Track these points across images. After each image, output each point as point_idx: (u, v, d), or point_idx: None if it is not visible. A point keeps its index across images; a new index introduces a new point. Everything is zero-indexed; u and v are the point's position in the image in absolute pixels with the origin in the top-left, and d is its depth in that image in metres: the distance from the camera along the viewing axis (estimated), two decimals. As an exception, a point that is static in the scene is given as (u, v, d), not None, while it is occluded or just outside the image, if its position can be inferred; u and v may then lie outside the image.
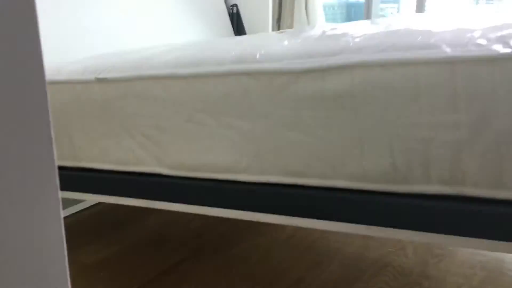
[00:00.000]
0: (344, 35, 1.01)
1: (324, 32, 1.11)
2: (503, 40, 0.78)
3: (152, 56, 1.20)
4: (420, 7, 3.02)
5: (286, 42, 1.04)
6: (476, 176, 0.83)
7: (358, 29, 1.07)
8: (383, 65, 0.87)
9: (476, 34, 0.83)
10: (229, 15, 2.63)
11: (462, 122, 0.82)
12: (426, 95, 0.84)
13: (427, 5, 2.81)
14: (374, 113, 0.89)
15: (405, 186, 0.90)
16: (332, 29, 1.12)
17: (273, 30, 3.01)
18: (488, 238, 0.83)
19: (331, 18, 4.71)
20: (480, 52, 0.79)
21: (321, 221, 0.99)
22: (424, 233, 0.88)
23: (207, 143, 1.10)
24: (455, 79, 0.81)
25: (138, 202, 1.24)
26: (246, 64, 1.02)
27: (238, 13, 2.65)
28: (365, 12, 3.14)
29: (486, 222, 0.83)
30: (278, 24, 3.12)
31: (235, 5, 2.66)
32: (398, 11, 4.44)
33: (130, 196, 1.25)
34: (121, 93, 1.19)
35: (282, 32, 1.61)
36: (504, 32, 0.80)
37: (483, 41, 0.80)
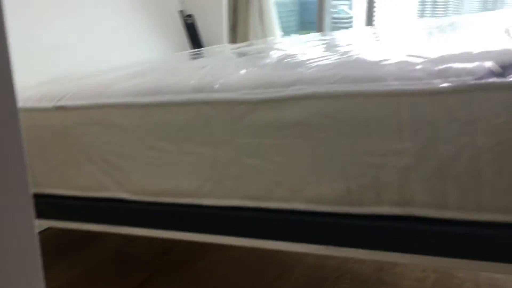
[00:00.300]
0: (299, 64, 1.06)
1: (280, 59, 1.15)
2: (443, 75, 0.85)
3: (111, 83, 1.21)
4: (370, 8, 3.11)
5: (243, 71, 1.08)
6: (423, 198, 0.90)
7: (313, 55, 1.12)
8: (335, 96, 0.92)
9: (419, 67, 0.90)
10: (185, 25, 2.64)
11: (408, 149, 0.89)
12: (375, 125, 0.90)
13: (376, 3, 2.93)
14: (328, 141, 0.95)
15: (359, 208, 0.96)
16: (288, 56, 1.17)
17: (229, 38, 3.04)
18: (435, 255, 0.90)
19: (284, 17, 4.78)
20: (422, 85, 0.86)
21: (282, 242, 1.04)
22: (377, 251, 0.95)
23: (169, 169, 1.12)
24: (400, 110, 0.88)
25: (102, 227, 1.25)
26: (205, 94, 1.05)
27: (193, 24, 2.67)
28: (318, 10, 3.19)
29: (433, 240, 0.90)
30: (234, 32, 3.16)
31: (190, 15, 2.67)
32: (350, 8, 4.54)
33: (93, 222, 1.26)
34: (81, 120, 1.19)
35: (239, 48, 1.65)
36: (444, 66, 0.87)
37: (424, 75, 0.87)
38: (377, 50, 1.10)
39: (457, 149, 0.85)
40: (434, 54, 0.95)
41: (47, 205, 1.30)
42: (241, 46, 1.79)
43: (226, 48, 1.86)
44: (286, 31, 4.89)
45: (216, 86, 1.05)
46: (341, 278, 1.45)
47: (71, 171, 1.24)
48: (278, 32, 3.25)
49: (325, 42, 1.49)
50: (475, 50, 0.92)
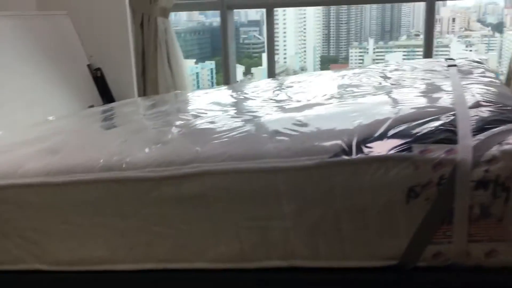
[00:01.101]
0: (196, 140, 1.23)
1: (181, 133, 1.31)
2: (307, 153, 1.07)
3: (23, 162, 1.30)
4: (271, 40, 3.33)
5: (147, 150, 1.23)
6: (301, 252, 1.10)
7: (214, 124, 1.30)
8: (225, 173, 1.11)
9: (290, 145, 1.10)
10: (94, 79, 2.72)
11: (287, 214, 1.08)
12: (259, 195, 1.09)
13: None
14: (222, 210, 1.12)
15: (252, 263, 1.14)
16: (190, 127, 1.34)
17: (138, 86, 3.14)
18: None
19: (197, 44, 4.94)
20: (292, 163, 1.06)
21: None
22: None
23: (83, 240, 1.23)
24: (278, 183, 1.08)
25: (20, 298, 1.32)
26: (113, 172, 1.18)
27: (102, 77, 2.75)
28: (223, 38, 3.35)
29: (310, 285, 1.10)
30: (144, 78, 3.26)
31: (99, 69, 2.76)
32: (260, 34, 4.80)
33: (11, 294, 1.32)
34: (-5, 199, 1.26)
35: (146, 112, 1.79)
36: (308, 144, 1.09)
37: (293, 154, 1.08)
38: (265, 121, 1.31)
39: (323, 211, 1.06)
40: (303, 129, 1.16)
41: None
42: (148, 106, 1.92)
43: (135, 107, 1.97)
44: (200, 58, 5.08)
45: (124, 166, 1.19)
46: None
47: (-14, 247, 1.30)
48: (187, 76, 3.40)
49: (232, 103, 1.66)
50: (335, 126, 1.15)
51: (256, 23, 5.08)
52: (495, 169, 0.95)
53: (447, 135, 1.02)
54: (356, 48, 5.63)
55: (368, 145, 1.06)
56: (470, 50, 5.08)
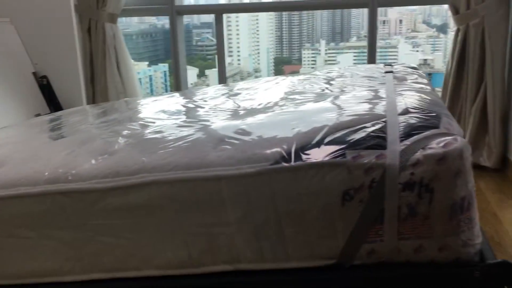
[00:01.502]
0: (145, 149, 1.26)
1: (128, 143, 1.33)
2: (249, 161, 1.12)
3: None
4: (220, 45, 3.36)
5: (93, 161, 1.25)
6: (247, 255, 1.15)
7: (162, 133, 1.33)
8: (171, 182, 1.14)
9: (233, 154, 1.15)
10: (40, 87, 2.67)
11: (231, 220, 1.13)
12: (204, 203, 1.14)
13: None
14: (169, 218, 1.16)
15: (199, 269, 1.18)
16: (137, 137, 1.36)
17: (87, 92, 3.10)
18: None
19: (151, 46, 4.90)
20: (234, 171, 1.11)
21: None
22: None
23: (31, 253, 1.23)
24: (222, 190, 1.12)
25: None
26: (59, 185, 1.19)
27: (49, 84, 2.71)
28: (172, 40, 3.35)
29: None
30: (92, 85, 3.23)
31: (45, 77, 2.71)
32: (213, 35, 4.81)
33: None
34: None
35: (94, 121, 1.79)
36: (250, 153, 1.14)
37: (236, 162, 1.12)
38: (211, 130, 1.35)
39: (266, 216, 1.12)
40: (245, 138, 1.21)
41: None
42: (97, 114, 1.91)
43: (84, 115, 1.96)
44: (153, 61, 5.05)
45: (70, 178, 1.20)
46: None
47: None
48: (137, 82, 3.38)
49: (179, 112, 1.69)
50: (275, 134, 1.21)
51: (209, 25, 5.11)
52: (419, 172, 1.03)
53: (377, 141, 1.10)
54: (309, 49, 5.78)
55: (306, 152, 1.12)
56: (417, 51, 5.32)
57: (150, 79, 5.24)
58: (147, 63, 5.17)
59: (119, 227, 1.18)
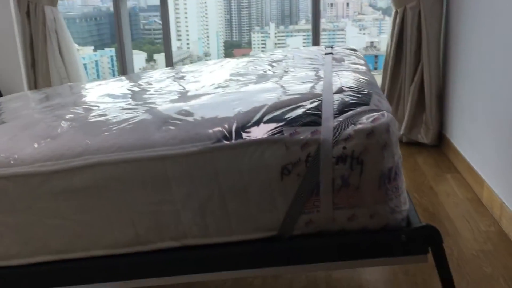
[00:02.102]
0: (89, 131, 1.27)
1: (71, 126, 1.34)
2: (192, 140, 1.16)
3: None
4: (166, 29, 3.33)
5: (36, 145, 1.25)
6: (193, 231, 1.20)
7: (106, 115, 1.34)
8: (115, 163, 1.17)
9: (176, 134, 1.19)
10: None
11: (176, 198, 1.17)
12: (149, 182, 1.17)
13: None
14: (115, 198, 1.18)
15: (147, 246, 1.22)
16: (80, 120, 1.36)
17: (28, 78, 3.01)
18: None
19: (96, 30, 4.77)
20: (178, 150, 1.15)
21: (87, 285, 1.24)
22: (166, 277, 1.22)
23: (-25, 239, 1.23)
24: (167, 169, 1.16)
25: None
26: (2, 169, 1.19)
27: (-13, 70, 2.62)
28: (116, 24, 3.30)
29: (202, 261, 1.21)
30: (34, 70, 3.14)
31: (-17, 61, 2.62)
32: (160, 19, 4.73)
33: None
34: None
35: (37, 106, 1.76)
36: (193, 133, 1.18)
37: (179, 141, 1.16)
38: (155, 112, 1.37)
39: (210, 193, 1.17)
40: (188, 118, 1.25)
41: None
42: (39, 100, 1.88)
43: (25, 101, 1.92)
44: (98, 45, 4.92)
45: (12, 162, 1.20)
46: None
47: None
48: (81, 67, 3.31)
49: (124, 95, 1.70)
50: (217, 114, 1.26)
51: (156, 8, 5.01)
52: (351, 146, 1.11)
53: (313, 118, 1.17)
54: (258, 32, 5.82)
55: (246, 130, 1.17)
56: (364, 33, 5.47)
57: (97, 64, 5.11)
58: (92, 47, 5.03)
59: (65, 209, 1.20)
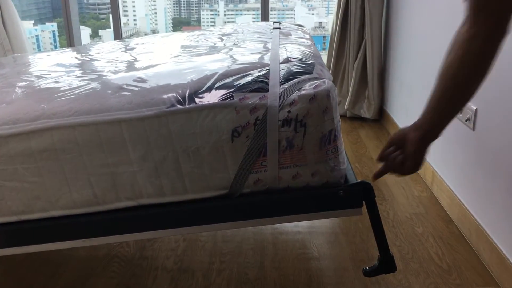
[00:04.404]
0: (46, 93, 1.30)
1: (25, 93, 1.36)
2: (147, 105, 1.22)
3: None
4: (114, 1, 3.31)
5: (-10, 110, 1.27)
6: (148, 191, 1.27)
7: (63, 83, 1.38)
8: (72, 127, 1.21)
9: (132, 99, 1.25)
10: None
11: (132, 159, 1.24)
12: (106, 145, 1.23)
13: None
14: (72, 160, 1.23)
15: (104, 206, 1.28)
16: (33, 88, 1.39)
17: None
18: (177, 227, 1.29)
19: (38, 3, 4.58)
20: (134, 114, 1.21)
21: (47, 244, 1.29)
22: (122, 235, 1.29)
23: None
24: (123, 132, 1.22)
25: None
26: (-44, 133, 1.21)
27: None
28: (63, 1, 3.23)
29: (157, 219, 1.29)
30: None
31: None
32: None
33: None
34: None
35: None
36: (148, 98, 1.24)
37: (135, 106, 1.22)
38: (110, 80, 1.42)
39: (164, 154, 1.24)
40: (143, 85, 1.31)
41: None
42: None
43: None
44: (39, 19, 4.74)
45: (-33, 126, 1.22)
46: (110, 263, 1.73)
47: None
48: (25, 39, 3.24)
49: (76, 64, 1.71)
50: (171, 82, 1.32)
51: None
52: (295, 110, 1.21)
53: (261, 85, 1.26)
54: (207, 10, 5.81)
55: (199, 96, 1.25)
56: (312, 14, 5.58)
57: (37, 40, 4.95)
58: (32, 21, 4.85)
59: (22, 171, 1.24)
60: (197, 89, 1.27)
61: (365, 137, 2.90)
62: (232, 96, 1.23)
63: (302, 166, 1.25)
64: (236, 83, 1.28)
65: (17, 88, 1.42)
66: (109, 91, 1.31)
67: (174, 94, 1.25)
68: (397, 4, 2.85)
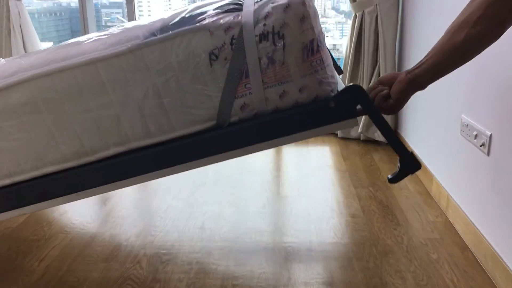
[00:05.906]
0: (23, 56, 1.29)
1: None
2: (119, 43, 1.16)
3: None
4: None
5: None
6: (134, 133, 1.22)
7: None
8: (50, 74, 1.18)
9: (105, 42, 1.20)
10: None
11: (113, 101, 1.18)
12: (85, 88, 1.19)
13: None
14: (54, 111, 1.20)
15: (94, 155, 1.24)
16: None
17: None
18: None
19: (55, 26, 4.69)
20: (108, 52, 1.17)
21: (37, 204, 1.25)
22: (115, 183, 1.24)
23: None
24: (100, 73, 1.18)
25: None
26: None
27: None
28: (82, 19, 3.30)
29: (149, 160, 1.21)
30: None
31: None
32: (123, 16, 4.77)
33: None
34: None
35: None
36: (120, 37, 1.19)
37: (108, 46, 1.18)
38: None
39: (144, 91, 1.19)
40: (115, 31, 1.27)
41: None
42: None
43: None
44: (58, 41, 4.85)
45: None
46: (123, 284, 1.55)
47: None
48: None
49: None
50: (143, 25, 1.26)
51: (119, 5, 4.96)
52: (270, 22, 1.13)
53: (235, 6, 1.20)
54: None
55: (172, 26, 1.19)
56: (327, 36, 5.58)
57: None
58: (52, 43, 5.00)
59: (7, 129, 1.22)
60: (170, 22, 1.21)
61: (379, 160, 2.77)
62: (205, 18, 1.16)
63: (287, 83, 1.16)
64: (209, 8, 1.21)
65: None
66: (84, 40, 1.26)
67: (148, 29, 1.21)
68: (411, 28, 2.82)
